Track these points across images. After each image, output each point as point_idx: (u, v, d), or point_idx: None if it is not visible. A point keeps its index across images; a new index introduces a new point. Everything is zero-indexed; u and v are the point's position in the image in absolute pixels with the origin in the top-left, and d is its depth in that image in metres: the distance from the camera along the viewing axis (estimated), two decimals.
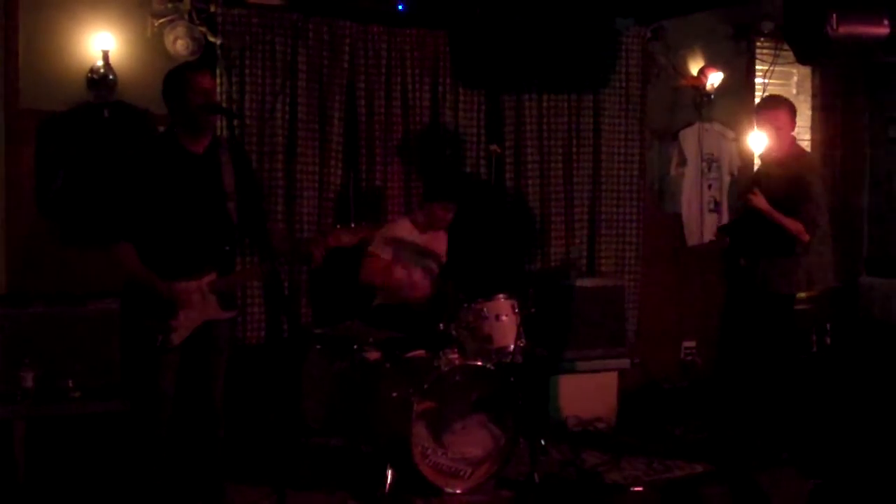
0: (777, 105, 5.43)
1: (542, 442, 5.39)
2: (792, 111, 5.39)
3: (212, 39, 5.59)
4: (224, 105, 5.45)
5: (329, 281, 5.90)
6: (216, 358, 4.17)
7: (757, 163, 6.71)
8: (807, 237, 5.13)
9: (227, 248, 4.14)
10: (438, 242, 5.71)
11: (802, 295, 6.73)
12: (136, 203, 3.90)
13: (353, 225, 4.47)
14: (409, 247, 5.54)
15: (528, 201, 6.45)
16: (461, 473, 4.78)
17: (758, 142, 5.47)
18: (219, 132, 5.32)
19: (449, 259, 5.77)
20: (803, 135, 7.75)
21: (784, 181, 5.22)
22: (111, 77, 5.41)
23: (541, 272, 6.41)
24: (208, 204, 4.02)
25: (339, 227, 4.40)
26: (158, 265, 3.91)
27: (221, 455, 4.24)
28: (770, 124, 5.32)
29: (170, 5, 5.51)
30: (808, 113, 7.82)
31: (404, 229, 5.61)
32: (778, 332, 5.31)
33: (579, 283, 6.23)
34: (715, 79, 7.05)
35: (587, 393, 6.08)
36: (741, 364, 5.40)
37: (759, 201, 5.14)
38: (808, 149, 7.71)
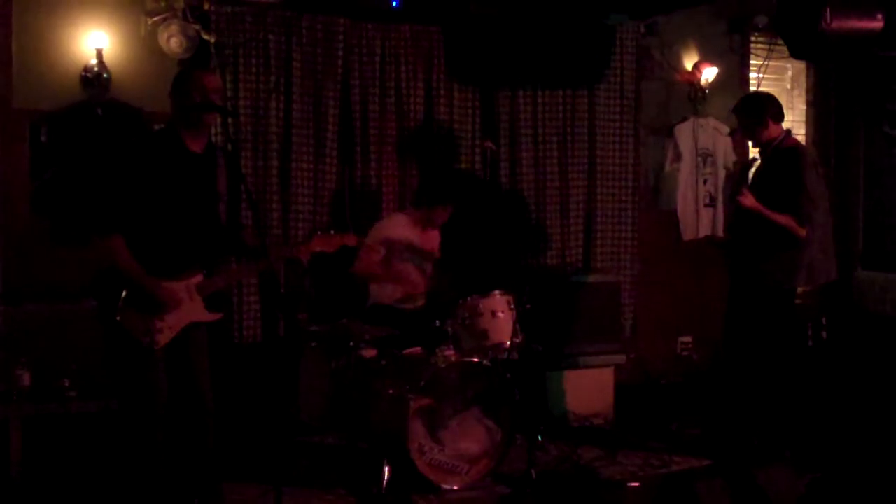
0: (752, 101, 5.43)
1: (539, 438, 5.40)
2: (768, 105, 5.33)
3: (206, 37, 5.58)
4: (218, 103, 5.43)
5: (325, 279, 5.90)
6: (199, 358, 4.13)
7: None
8: (802, 232, 5.10)
9: (216, 249, 4.13)
10: (433, 239, 5.71)
11: (798, 290, 6.75)
12: (132, 196, 3.84)
13: (332, 232, 4.44)
14: (403, 243, 5.53)
15: (523, 197, 6.45)
16: (458, 470, 4.78)
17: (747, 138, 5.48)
18: (214, 130, 5.34)
19: (443, 255, 5.77)
20: (797, 129, 7.76)
21: (776, 176, 5.24)
22: (105, 76, 5.41)
23: (537, 268, 6.41)
24: (202, 204, 4.01)
25: (319, 233, 4.39)
26: (146, 263, 3.86)
27: (217, 454, 4.23)
28: (747, 121, 5.33)
29: (163, 3, 5.51)
30: (803, 108, 7.84)
31: (399, 224, 5.60)
32: (777, 326, 5.30)
33: (576, 279, 6.25)
34: (709, 74, 7.05)
35: (584, 389, 6.10)
36: (742, 359, 5.38)
37: (748, 200, 5.13)
38: (803, 143, 7.74)
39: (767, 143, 5.30)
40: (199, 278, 4.00)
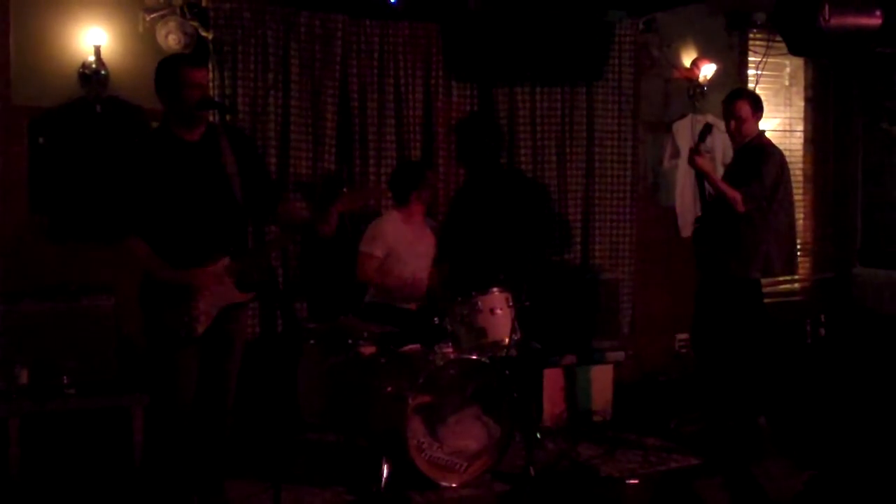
0: (739, 97, 5.51)
1: (538, 435, 5.40)
2: (753, 102, 5.47)
3: (204, 34, 5.57)
4: (217, 99, 5.43)
5: (323, 276, 5.89)
6: (229, 356, 4.18)
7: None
8: (742, 208, 5.22)
9: (237, 230, 4.14)
10: (427, 237, 5.70)
11: (796, 286, 6.78)
12: (139, 197, 3.89)
13: (358, 188, 4.44)
14: (399, 239, 5.53)
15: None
16: (457, 467, 4.78)
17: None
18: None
19: (440, 252, 5.76)
20: (796, 126, 7.77)
21: (741, 170, 5.38)
22: (103, 72, 5.40)
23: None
24: (211, 189, 4.02)
25: (345, 190, 4.37)
26: (170, 256, 3.92)
27: (223, 451, 4.24)
28: (732, 115, 5.42)
29: (161, 0, 5.49)
30: (801, 104, 7.84)
31: (392, 222, 5.58)
32: (744, 317, 5.40)
33: (574, 276, 6.25)
34: (708, 70, 7.05)
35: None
36: (714, 350, 5.49)
37: (703, 163, 5.33)
38: (801, 139, 7.78)
39: (744, 138, 5.41)
40: (225, 261, 4.03)
